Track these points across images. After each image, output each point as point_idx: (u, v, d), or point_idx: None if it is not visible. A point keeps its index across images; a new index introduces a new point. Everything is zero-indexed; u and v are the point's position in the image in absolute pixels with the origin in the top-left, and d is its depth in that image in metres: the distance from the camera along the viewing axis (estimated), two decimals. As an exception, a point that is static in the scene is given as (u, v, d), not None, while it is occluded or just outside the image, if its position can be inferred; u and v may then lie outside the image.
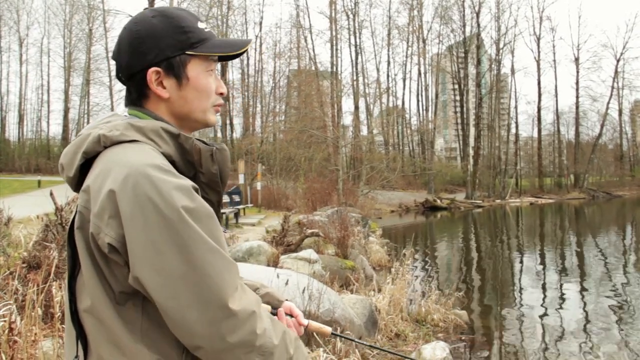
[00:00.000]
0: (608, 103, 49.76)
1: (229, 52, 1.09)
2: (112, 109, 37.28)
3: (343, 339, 4.33)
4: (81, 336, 0.97)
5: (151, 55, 1.03)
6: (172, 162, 0.99)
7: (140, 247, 0.88)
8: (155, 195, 0.88)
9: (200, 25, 1.09)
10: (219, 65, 1.19)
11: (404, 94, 53.33)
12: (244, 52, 1.12)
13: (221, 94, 1.13)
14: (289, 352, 1.00)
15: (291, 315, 1.27)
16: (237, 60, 40.32)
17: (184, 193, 0.90)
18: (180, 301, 0.88)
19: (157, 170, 0.90)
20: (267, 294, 1.26)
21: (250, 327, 0.91)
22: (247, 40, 1.14)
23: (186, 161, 1.02)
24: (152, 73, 1.04)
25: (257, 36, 41.40)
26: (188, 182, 0.94)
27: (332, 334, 1.40)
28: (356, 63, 44.51)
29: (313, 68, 41.41)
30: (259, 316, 0.94)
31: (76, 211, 0.97)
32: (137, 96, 1.07)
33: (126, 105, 1.10)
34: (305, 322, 1.29)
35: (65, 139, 39.67)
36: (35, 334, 2.97)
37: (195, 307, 0.88)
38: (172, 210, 0.88)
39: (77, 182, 1.01)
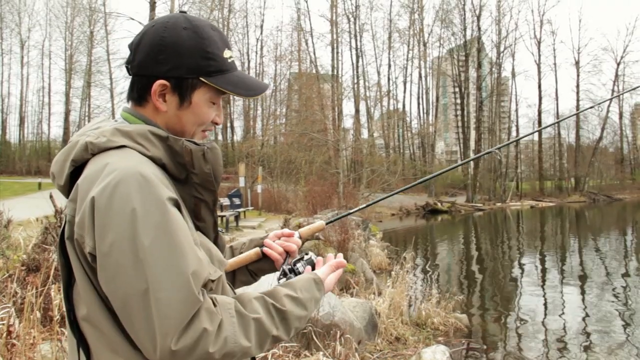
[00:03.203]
0: (608, 106, 49.82)
1: (240, 94, 1.07)
2: (112, 112, 37.29)
3: (341, 341, 4.32)
4: (82, 343, 0.96)
5: (166, 67, 1.01)
6: (162, 166, 0.97)
7: (104, 259, 0.86)
8: (127, 207, 0.86)
9: (226, 54, 1.06)
10: None
11: (404, 97, 53.13)
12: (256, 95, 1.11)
13: (216, 123, 1.11)
14: (270, 334, 0.97)
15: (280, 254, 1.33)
16: (237, 63, 40.34)
17: (159, 206, 0.88)
18: (133, 324, 0.86)
19: (138, 179, 0.88)
20: (250, 241, 1.36)
21: (201, 351, 0.86)
22: (264, 86, 1.12)
23: (177, 163, 0.99)
24: (157, 85, 1.01)
25: (257, 39, 41.55)
26: (165, 195, 0.90)
27: (326, 223, 1.50)
28: (357, 66, 44.62)
29: (314, 71, 41.49)
30: (213, 332, 0.88)
31: (65, 221, 0.95)
32: (138, 97, 1.05)
33: (128, 99, 1.08)
34: (296, 233, 1.36)
35: (65, 142, 39.14)
36: (34, 337, 2.96)
37: (146, 333, 0.85)
38: (143, 224, 0.85)
39: (68, 190, 0.99)
